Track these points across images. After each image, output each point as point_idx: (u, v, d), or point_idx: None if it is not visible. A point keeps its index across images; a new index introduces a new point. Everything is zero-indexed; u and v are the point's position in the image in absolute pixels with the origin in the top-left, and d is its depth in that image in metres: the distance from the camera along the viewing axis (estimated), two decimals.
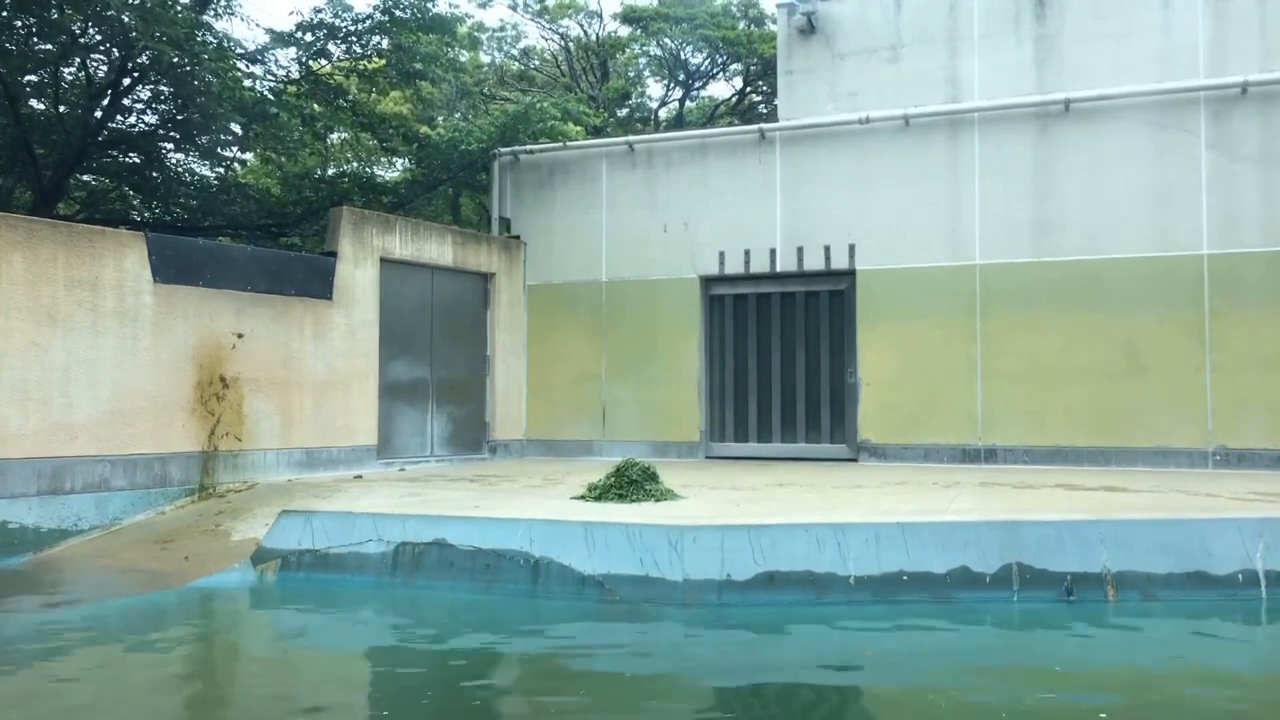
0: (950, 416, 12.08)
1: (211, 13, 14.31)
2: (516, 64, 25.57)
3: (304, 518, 8.01)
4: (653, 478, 8.66)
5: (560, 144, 14.53)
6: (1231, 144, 11.23)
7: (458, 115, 20.81)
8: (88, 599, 7.20)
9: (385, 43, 15.13)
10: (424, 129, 17.44)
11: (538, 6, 23.91)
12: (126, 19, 12.20)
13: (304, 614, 7.04)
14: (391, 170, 21.06)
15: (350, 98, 15.95)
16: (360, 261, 11.67)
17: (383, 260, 11.99)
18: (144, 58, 13.45)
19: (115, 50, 13.76)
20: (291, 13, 22.08)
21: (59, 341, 8.87)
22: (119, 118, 14.85)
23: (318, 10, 14.84)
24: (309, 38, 14.82)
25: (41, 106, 14.63)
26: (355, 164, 21.10)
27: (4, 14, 12.54)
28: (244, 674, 5.82)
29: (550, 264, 14.18)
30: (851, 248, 12.65)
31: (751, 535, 6.88)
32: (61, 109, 14.48)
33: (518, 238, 14.29)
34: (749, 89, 23.94)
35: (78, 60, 14.12)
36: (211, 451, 9.94)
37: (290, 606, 7.20)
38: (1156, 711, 4.92)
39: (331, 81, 15.72)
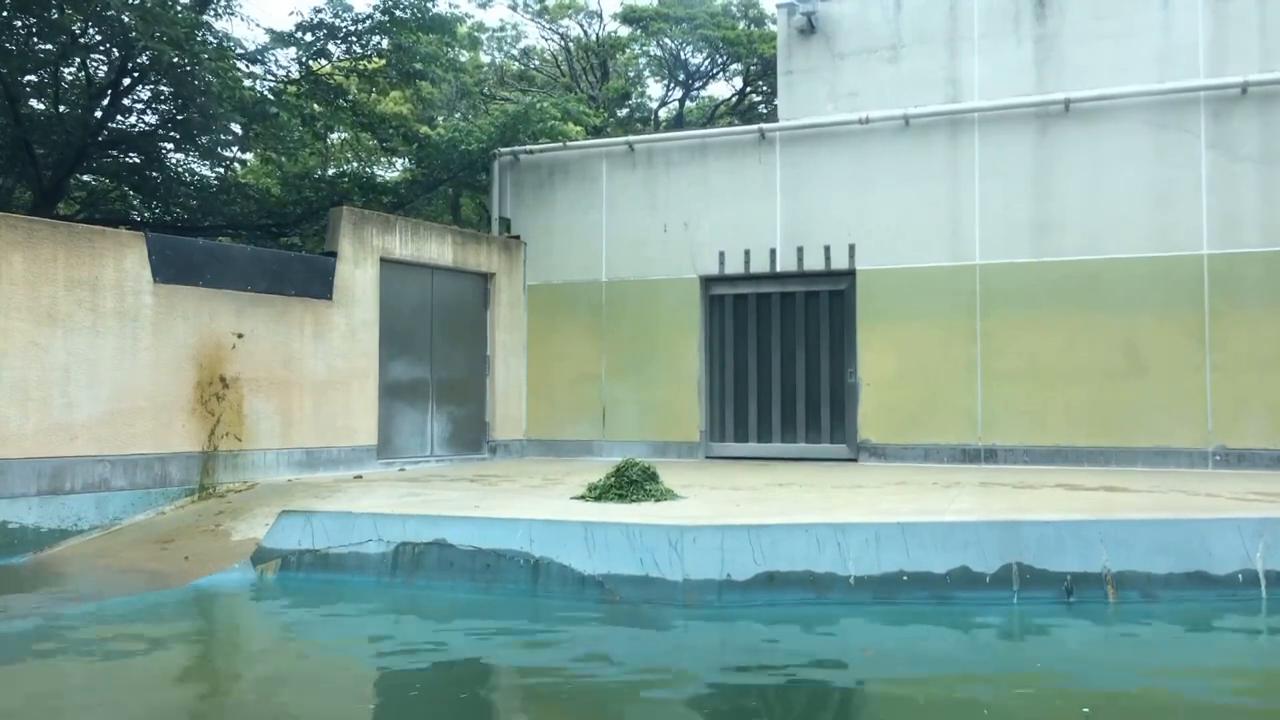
0: (950, 416, 12.08)
1: (211, 13, 14.30)
2: (516, 64, 25.57)
3: (304, 518, 8.01)
4: (653, 478, 8.66)
5: (560, 144, 14.53)
6: (1231, 144, 11.23)
7: (458, 115, 20.81)
8: (88, 599, 7.20)
9: (385, 43, 15.13)
10: (424, 129, 17.44)
11: (538, 6, 23.92)
12: (126, 19, 12.20)
13: (304, 614, 7.03)
14: (391, 170, 21.07)
15: (350, 98, 15.95)
16: (360, 261, 11.67)
17: (383, 260, 11.99)
18: (144, 58, 13.45)
19: (115, 50, 13.76)
20: (291, 13, 22.12)
21: (59, 341, 8.87)
22: (119, 118, 14.86)
23: (318, 10, 14.84)
24: (309, 38, 14.82)
25: (41, 106, 14.63)
26: (355, 164, 21.10)
27: (4, 14, 12.54)
28: (243, 674, 5.82)
29: (550, 264, 14.18)
30: (851, 248, 12.65)
31: (751, 535, 6.88)
32: (61, 109, 14.48)
33: (518, 238, 14.29)
34: (749, 89, 23.94)
35: (78, 60, 14.12)
36: (211, 451, 9.94)
37: (290, 606, 7.20)
38: (1157, 711, 4.92)
39: (331, 81, 15.72)
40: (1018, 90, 12.18)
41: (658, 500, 8.34)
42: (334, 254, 11.38)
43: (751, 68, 22.67)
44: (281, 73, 15.44)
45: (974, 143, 12.23)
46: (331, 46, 15.16)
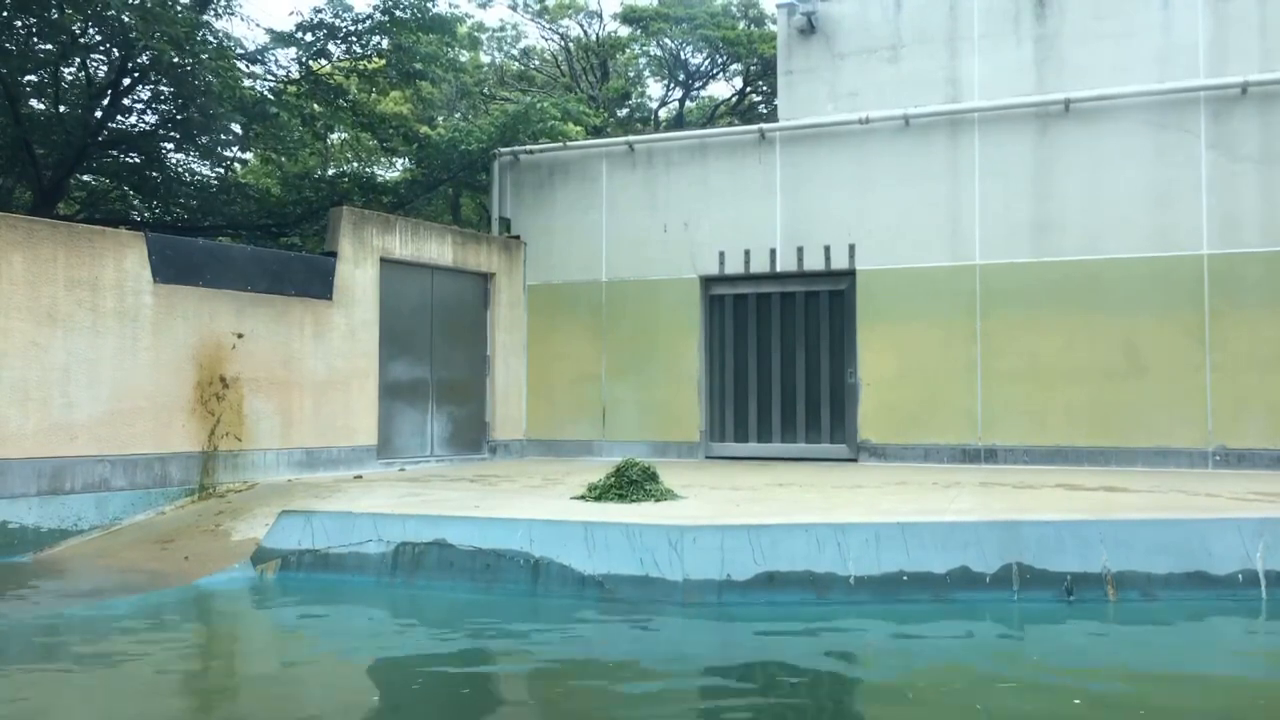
0: (950, 416, 12.08)
1: (211, 13, 14.30)
2: (516, 64, 25.57)
3: (304, 518, 8.01)
4: (653, 478, 8.66)
5: (560, 144, 14.53)
6: (1231, 144, 11.23)
7: (458, 115, 20.81)
8: (87, 598, 7.20)
9: (385, 43, 15.13)
10: (424, 129, 17.44)
11: (538, 6, 23.92)
12: (126, 19, 12.20)
13: (304, 614, 7.04)
14: (391, 170, 21.07)
15: (350, 98, 15.95)
16: (360, 261, 11.67)
17: (383, 260, 11.99)
18: (144, 58, 13.45)
19: (115, 50, 13.76)
20: (291, 13, 22.11)
21: (59, 341, 8.87)
22: (119, 118, 14.86)
23: (318, 10, 14.85)
24: (309, 38, 14.83)
25: (41, 106, 14.63)
26: (355, 164, 21.10)
27: (4, 14, 12.54)
28: (243, 674, 5.82)
29: (550, 264, 14.18)
30: (851, 248, 12.65)
31: (751, 535, 6.88)
32: (61, 109, 14.48)
33: (518, 238, 14.29)
34: (749, 89, 23.94)
35: (78, 60, 14.12)
36: (211, 451, 9.94)
37: (290, 606, 7.20)
38: (1156, 711, 4.92)
39: (331, 81, 15.72)
40: (1018, 90, 12.18)
41: (658, 500, 8.34)
42: (334, 254, 11.38)
43: (751, 68, 22.67)
44: (281, 73, 15.45)
45: (974, 143, 12.23)
46: (331, 46, 15.16)
